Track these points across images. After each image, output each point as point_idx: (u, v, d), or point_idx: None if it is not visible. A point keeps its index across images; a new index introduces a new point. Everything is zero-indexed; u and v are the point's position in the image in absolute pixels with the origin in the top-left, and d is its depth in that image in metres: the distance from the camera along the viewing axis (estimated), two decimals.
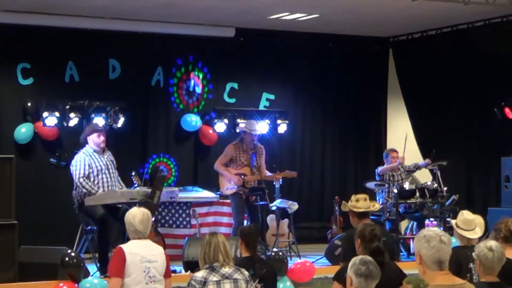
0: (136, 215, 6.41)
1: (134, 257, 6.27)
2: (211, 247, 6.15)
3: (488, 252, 5.44)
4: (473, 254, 5.58)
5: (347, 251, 7.22)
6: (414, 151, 14.79)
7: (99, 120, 12.83)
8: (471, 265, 6.31)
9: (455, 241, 9.35)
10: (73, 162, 10.22)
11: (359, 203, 7.66)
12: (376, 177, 12.86)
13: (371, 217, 12.21)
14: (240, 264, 6.63)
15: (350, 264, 4.92)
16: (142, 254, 6.30)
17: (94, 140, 10.26)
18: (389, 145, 15.32)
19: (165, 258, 6.48)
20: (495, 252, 5.45)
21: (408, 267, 7.29)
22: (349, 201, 7.74)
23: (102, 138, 10.29)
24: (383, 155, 13.03)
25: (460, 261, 6.58)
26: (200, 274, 6.10)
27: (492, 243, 5.57)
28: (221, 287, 6.06)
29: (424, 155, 14.59)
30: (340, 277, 5.99)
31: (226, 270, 6.13)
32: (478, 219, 7.07)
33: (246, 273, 6.27)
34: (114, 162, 10.45)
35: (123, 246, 6.41)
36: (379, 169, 12.78)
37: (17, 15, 12.49)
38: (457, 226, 7.01)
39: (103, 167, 10.18)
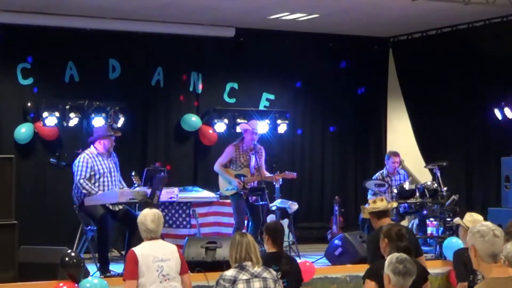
0: (148, 215, 6.69)
1: (146, 258, 6.53)
2: (243, 247, 6.33)
3: None
4: (500, 255, 5.65)
5: (373, 253, 7.29)
6: (414, 151, 14.80)
7: (99, 120, 12.83)
8: None
9: (455, 241, 9.38)
10: (76, 162, 10.21)
11: (376, 203, 7.86)
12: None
13: None
14: (266, 259, 6.85)
15: (386, 263, 5.04)
16: (154, 254, 6.54)
17: (105, 144, 10.24)
18: (389, 145, 15.34)
19: (179, 255, 6.72)
20: None
21: None
22: (367, 205, 8.00)
23: (113, 143, 10.29)
24: (385, 157, 13.00)
25: (465, 262, 6.73)
26: (230, 273, 6.27)
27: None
28: (250, 285, 6.22)
29: (424, 155, 14.61)
30: (372, 274, 6.11)
31: (256, 269, 6.29)
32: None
33: (274, 273, 6.44)
34: (118, 164, 10.44)
35: (134, 249, 6.68)
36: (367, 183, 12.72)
37: (17, 15, 12.49)
38: (467, 227, 7.09)
39: (106, 170, 10.18)
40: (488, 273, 4.71)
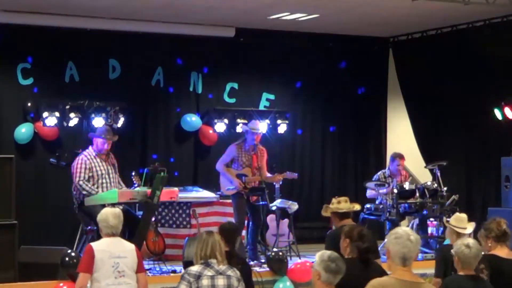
0: (109, 212, 6.98)
1: (102, 253, 6.76)
2: (209, 245, 6.44)
3: (466, 249, 6.00)
4: (451, 250, 5.95)
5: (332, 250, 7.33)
6: (415, 151, 14.79)
7: (99, 120, 12.83)
8: None
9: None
10: (74, 164, 10.22)
11: (341, 204, 8.01)
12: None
13: (372, 217, 12.35)
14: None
15: (318, 260, 5.25)
16: (110, 250, 6.77)
17: (98, 145, 10.24)
18: (389, 145, 15.35)
19: (137, 254, 6.93)
20: (472, 248, 6.02)
21: None
22: (331, 204, 8.12)
23: (106, 147, 10.27)
24: (390, 158, 12.95)
25: (447, 258, 6.94)
26: (195, 268, 6.38)
27: (469, 240, 6.16)
28: (214, 281, 6.32)
29: (424, 155, 14.61)
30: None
31: (220, 267, 6.40)
32: (471, 224, 7.54)
33: (238, 272, 6.53)
34: (116, 165, 10.44)
35: (93, 243, 6.96)
36: (369, 192, 12.71)
37: (17, 15, 12.49)
38: (449, 223, 7.54)
39: (104, 172, 10.18)
40: (392, 274, 4.85)
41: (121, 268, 6.74)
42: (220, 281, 6.34)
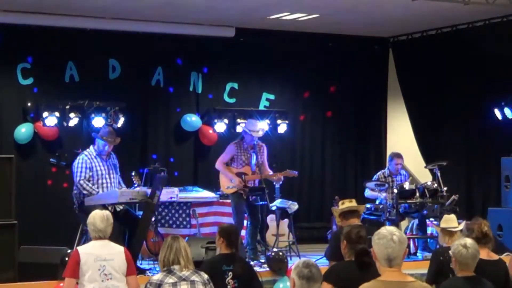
0: (97, 215, 6.88)
1: (88, 256, 6.67)
2: (172, 250, 6.32)
3: (463, 249, 5.96)
4: (449, 251, 5.90)
5: (334, 251, 7.35)
6: (415, 151, 14.79)
7: (99, 120, 12.83)
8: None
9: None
10: (75, 163, 10.21)
11: (344, 204, 8.03)
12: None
13: (372, 217, 12.34)
14: (219, 259, 7.13)
15: (293, 266, 5.08)
16: (96, 253, 6.68)
17: (99, 146, 10.23)
18: (389, 145, 15.34)
19: (125, 256, 6.81)
20: (469, 249, 5.97)
21: (407, 267, 7.34)
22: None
23: (107, 149, 10.26)
24: (388, 158, 12.98)
25: (441, 262, 6.95)
26: (156, 277, 6.27)
27: (467, 240, 6.08)
28: None
29: (424, 155, 14.61)
30: (330, 277, 6.18)
31: (184, 272, 6.26)
32: (460, 223, 7.61)
33: (205, 276, 6.38)
34: (117, 165, 10.43)
35: (79, 247, 6.92)
36: (368, 192, 12.72)
37: (17, 15, 12.49)
38: (439, 227, 7.57)
39: (104, 172, 10.17)
40: (381, 277, 4.73)
41: (108, 271, 6.63)
42: (184, 287, 6.20)
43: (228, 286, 7.00)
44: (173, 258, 6.28)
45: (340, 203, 8.07)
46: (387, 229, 4.76)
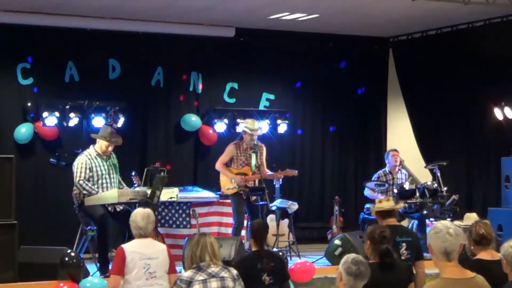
0: (138, 213, 6.96)
1: (133, 255, 6.77)
2: (199, 247, 6.32)
3: None
4: (499, 255, 5.75)
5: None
6: (414, 151, 14.79)
7: (99, 120, 12.83)
8: None
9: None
10: (75, 163, 10.20)
11: (381, 203, 7.93)
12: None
13: (372, 217, 12.31)
14: (250, 257, 7.17)
15: (342, 261, 5.10)
16: (141, 252, 6.75)
17: (102, 146, 10.23)
18: (389, 145, 15.33)
19: (168, 255, 6.89)
20: None
21: None
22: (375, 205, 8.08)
23: (110, 149, 10.27)
24: (385, 156, 13.02)
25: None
26: (186, 274, 6.27)
27: None
28: (207, 285, 6.20)
29: (424, 155, 14.61)
30: None
31: (213, 269, 6.27)
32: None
33: (235, 271, 6.42)
34: (117, 165, 10.42)
35: (124, 245, 6.93)
36: (367, 191, 12.72)
37: (17, 15, 12.49)
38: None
39: (104, 172, 10.17)
40: (442, 273, 4.79)
41: (152, 269, 6.74)
42: (213, 284, 6.22)
43: (265, 283, 7.00)
44: (199, 254, 6.30)
45: (377, 201, 8.01)
46: (442, 223, 4.84)
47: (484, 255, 6.45)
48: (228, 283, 6.27)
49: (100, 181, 10.12)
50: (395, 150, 12.80)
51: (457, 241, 4.77)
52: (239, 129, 13.46)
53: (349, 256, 5.10)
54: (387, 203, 7.88)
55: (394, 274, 5.59)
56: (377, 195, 12.47)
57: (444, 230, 4.77)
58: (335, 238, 11.35)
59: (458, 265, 4.79)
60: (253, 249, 7.32)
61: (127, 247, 6.89)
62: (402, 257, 7.46)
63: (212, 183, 12.75)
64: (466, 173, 14.27)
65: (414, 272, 7.32)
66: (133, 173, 11.00)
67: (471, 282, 4.76)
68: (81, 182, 10.01)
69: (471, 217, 7.46)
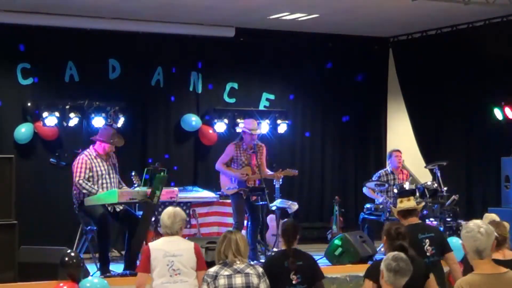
0: (166, 212, 7.11)
1: (157, 252, 6.91)
2: (223, 244, 6.51)
3: None
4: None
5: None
6: (415, 151, 14.79)
7: (99, 120, 12.83)
8: None
9: (455, 241, 9.40)
10: (75, 163, 10.20)
11: (403, 203, 7.94)
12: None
13: (373, 217, 12.34)
14: (277, 256, 7.35)
15: (384, 258, 5.23)
16: (166, 249, 6.89)
17: (105, 148, 10.22)
18: (389, 145, 15.33)
19: (195, 252, 6.98)
20: None
21: None
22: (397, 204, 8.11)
23: (112, 148, 10.26)
24: (387, 156, 13.01)
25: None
26: (213, 269, 6.46)
27: None
28: (232, 280, 6.39)
29: (424, 155, 14.61)
30: (371, 274, 6.26)
31: (238, 265, 6.44)
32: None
33: (260, 269, 6.55)
34: (117, 165, 10.42)
35: (150, 243, 7.20)
36: (366, 190, 12.71)
37: (17, 15, 12.49)
38: None
39: (104, 172, 10.16)
40: (475, 269, 4.99)
41: (176, 266, 6.84)
42: (238, 279, 6.38)
43: (293, 281, 6.98)
44: (223, 250, 6.48)
45: (398, 201, 8.02)
46: (474, 223, 5.01)
47: (496, 255, 6.46)
48: (253, 279, 6.42)
49: (100, 181, 10.12)
50: (398, 151, 12.77)
51: (488, 240, 4.96)
52: (239, 129, 13.46)
53: (390, 253, 5.23)
54: (408, 203, 7.91)
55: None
56: (377, 194, 12.47)
57: (475, 230, 4.96)
58: (335, 238, 11.34)
59: (491, 261, 4.99)
60: (282, 248, 7.33)
61: (153, 245, 7.05)
62: (428, 253, 7.52)
63: (212, 183, 12.76)
64: (466, 173, 14.27)
65: (447, 267, 7.52)
66: (133, 173, 11.00)
67: (503, 276, 4.94)
68: (80, 181, 10.00)
69: (488, 217, 7.41)
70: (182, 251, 6.93)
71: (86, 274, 9.00)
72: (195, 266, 6.97)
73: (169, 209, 7.17)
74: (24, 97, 13.00)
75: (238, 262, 6.43)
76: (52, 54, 13.09)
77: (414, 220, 7.85)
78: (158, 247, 6.98)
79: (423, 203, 8.17)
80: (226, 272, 6.39)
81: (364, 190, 12.68)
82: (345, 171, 15.40)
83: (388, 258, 5.18)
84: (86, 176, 10.05)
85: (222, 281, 6.34)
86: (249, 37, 14.30)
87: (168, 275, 6.83)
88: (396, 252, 5.27)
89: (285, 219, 7.92)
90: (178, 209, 7.21)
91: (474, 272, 4.97)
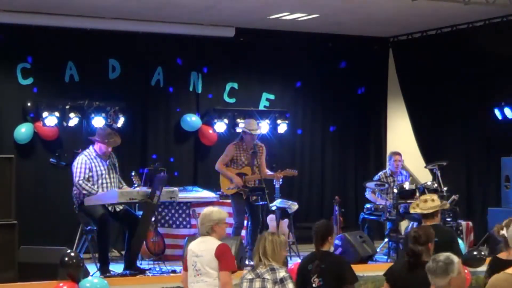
0: (202, 212, 7.13)
1: (189, 252, 7.05)
2: (257, 245, 6.67)
3: None
4: None
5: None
6: (415, 151, 14.79)
7: (99, 120, 12.83)
8: None
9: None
10: (75, 163, 10.20)
11: (426, 203, 7.96)
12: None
13: (373, 217, 12.35)
14: (304, 259, 7.42)
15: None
16: (193, 249, 6.98)
17: (101, 148, 10.23)
18: (389, 145, 15.35)
19: (215, 252, 6.82)
20: None
21: None
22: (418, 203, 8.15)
23: (110, 149, 10.26)
24: (388, 157, 13.02)
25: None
26: (244, 272, 6.72)
27: None
28: (252, 285, 6.56)
29: (424, 155, 14.61)
30: (387, 275, 6.43)
31: (260, 269, 6.57)
32: None
33: (281, 274, 6.52)
34: (117, 165, 10.42)
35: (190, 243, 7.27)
36: (368, 193, 12.72)
37: (17, 15, 12.49)
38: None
39: (104, 172, 10.16)
40: (509, 270, 4.99)
41: (198, 266, 6.88)
42: (257, 284, 6.53)
43: (314, 285, 6.97)
44: (254, 252, 6.66)
45: (422, 199, 7.94)
46: None
47: (502, 254, 6.63)
48: (268, 285, 6.48)
49: (100, 181, 10.12)
50: (399, 154, 12.76)
51: None
52: (239, 129, 13.46)
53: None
54: (432, 203, 7.85)
55: (418, 273, 5.64)
56: (377, 197, 12.48)
57: None
58: (335, 238, 11.35)
59: None
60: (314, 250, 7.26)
61: (190, 244, 7.14)
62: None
63: (212, 183, 12.75)
64: (466, 173, 14.27)
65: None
66: (133, 173, 11.00)
67: None
68: (80, 182, 10.01)
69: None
70: (203, 252, 6.90)
71: (86, 274, 9.00)
72: (216, 267, 6.86)
73: (203, 210, 7.16)
74: (24, 97, 12.99)
75: (261, 266, 6.55)
76: (52, 54, 13.09)
77: (436, 220, 7.92)
78: (190, 247, 7.07)
79: (447, 205, 8.05)
80: (249, 275, 6.58)
81: (367, 194, 12.69)
82: (345, 171, 15.39)
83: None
84: (86, 176, 10.05)
85: (245, 284, 6.56)
86: (249, 37, 14.30)
87: (193, 275, 6.89)
88: (443, 254, 5.14)
89: (320, 220, 7.66)
90: (209, 210, 7.06)
91: (506, 271, 4.96)
